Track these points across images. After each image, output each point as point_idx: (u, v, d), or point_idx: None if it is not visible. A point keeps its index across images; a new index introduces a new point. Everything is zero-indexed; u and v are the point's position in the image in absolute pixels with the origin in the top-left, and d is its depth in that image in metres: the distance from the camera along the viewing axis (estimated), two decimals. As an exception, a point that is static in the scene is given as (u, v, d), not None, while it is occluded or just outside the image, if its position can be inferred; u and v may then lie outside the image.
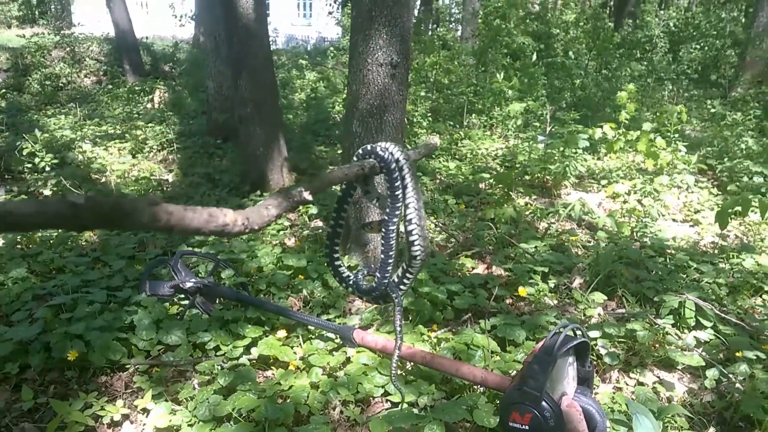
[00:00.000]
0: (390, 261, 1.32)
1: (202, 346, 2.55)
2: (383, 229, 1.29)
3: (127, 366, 2.40)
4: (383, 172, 1.26)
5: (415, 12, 17.22)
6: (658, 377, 2.64)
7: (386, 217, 1.27)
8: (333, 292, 3.19)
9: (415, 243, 1.26)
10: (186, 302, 2.90)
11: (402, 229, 1.36)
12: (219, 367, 2.38)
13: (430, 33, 16.20)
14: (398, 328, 1.61)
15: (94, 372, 2.34)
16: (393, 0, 3.27)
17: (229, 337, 2.58)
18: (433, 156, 6.72)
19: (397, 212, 1.24)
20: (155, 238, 4.01)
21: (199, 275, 3.16)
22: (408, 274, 1.35)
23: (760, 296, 3.24)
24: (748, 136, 6.36)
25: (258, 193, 5.09)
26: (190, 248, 3.60)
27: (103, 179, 5.45)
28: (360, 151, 1.33)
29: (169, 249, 3.76)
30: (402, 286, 1.40)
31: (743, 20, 12.47)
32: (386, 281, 1.34)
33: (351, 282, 1.44)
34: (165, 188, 5.44)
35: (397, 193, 1.24)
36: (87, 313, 2.50)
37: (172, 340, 2.52)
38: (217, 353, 2.52)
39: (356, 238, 3.64)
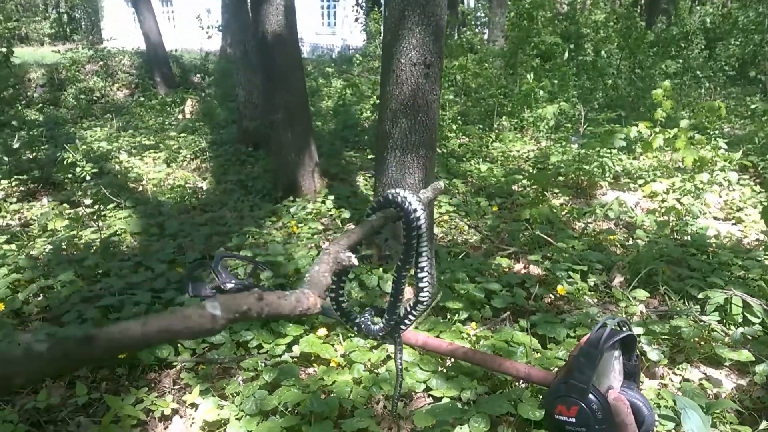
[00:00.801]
0: (398, 305, 1.41)
1: (245, 344, 2.58)
2: (395, 275, 1.36)
3: (174, 363, 2.45)
4: (402, 220, 1.33)
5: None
6: (705, 374, 2.58)
7: (399, 263, 1.33)
8: (370, 292, 3.20)
9: (425, 289, 1.34)
10: (227, 303, 2.95)
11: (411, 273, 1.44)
12: (263, 364, 2.41)
13: (456, 37, 16.20)
14: (399, 366, 1.67)
15: (143, 369, 2.39)
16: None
17: (271, 336, 2.61)
18: (464, 159, 6.70)
19: (411, 260, 1.30)
20: (194, 242, 4.09)
21: (239, 277, 3.21)
22: (411, 316, 1.44)
23: (809, 292, 3.14)
24: (790, 132, 6.20)
25: (291, 198, 5.14)
26: (230, 252, 3.65)
27: (140, 188, 5.58)
28: (380, 199, 1.39)
29: (208, 253, 3.82)
30: (403, 326, 1.48)
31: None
32: (392, 323, 1.43)
33: (359, 324, 1.52)
34: (200, 195, 5.54)
35: (413, 241, 1.30)
36: (134, 314, 2.56)
37: (216, 339, 2.56)
38: (260, 351, 2.56)
39: (391, 238, 3.64)
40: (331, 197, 5.15)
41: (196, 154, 6.87)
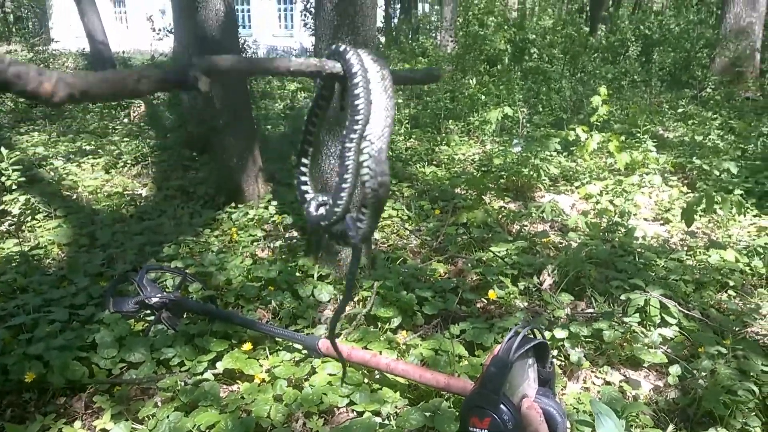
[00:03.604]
0: (344, 187, 1.08)
1: (167, 362, 2.53)
2: (339, 148, 1.05)
3: (88, 386, 2.37)
4: (346, 78, 1.05)
5: (395, 21, 17.33)
6: (625, 376, 2.65)
7: (344, 132, 1.04)
8: (303, 302, 3.18)
9: (364, 164, 1.02)
10: (152, 318, 2.88)
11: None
12: (182, 384, 2.36)
13: (410, 41, 16.28)
14: (350, 275, 1.20)
15: (53, 393, 2.31)
16: (355, 10, 3.29)
17: (195, 352, 2.56)
18: (410, 162, 6.73)
19: (356, 127, 1.02)
20: (125, 253, 3.98)
21: (166, 290, 3.14)
22: (363, 209, 1.09)
23: (726, 291, 3.28)
24: (716, 135, 6.44)
25: (233, 204, 5.07)
26: (158, 263, 3.57)
27: (75, 196, 5.40)
28: (327, 51, 1.18)
29: (138, 264, 3.72)
30: (360, 224, 1.12)
31: (712, 22, 12.69)
32: (338, 210, 1.10)
33: (305, 208, 1.18)
34: (138, 203, 5.40)
35: (357, 103, 1.03)
36: (47, 333, 2.47)
37: (135, 358, 2.49)
38: (182, 369, 2.50)
39: (329, 245, 3.63)
40: (275, 203, 5.09)
41: (137, 160, 6.69)
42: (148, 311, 2.89)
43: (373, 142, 1.01)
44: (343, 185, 1.06)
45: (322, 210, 1.15)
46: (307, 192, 1.25)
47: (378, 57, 1.06)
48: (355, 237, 1.10)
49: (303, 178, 1.25)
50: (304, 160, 1.25)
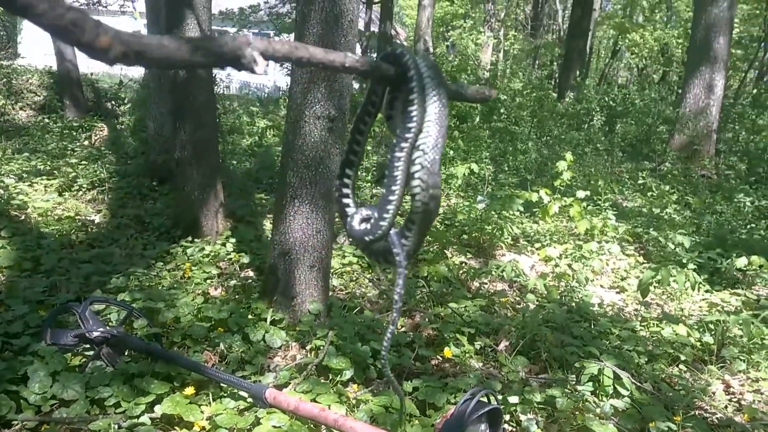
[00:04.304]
0: (392, 199, 0.99)
1: (102, 402, 2.37)
2: (389, 157, 1.00)
3: (14, 422, 2.20)
4: (399, 82, 0.99)
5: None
6: (576, 446, 2.61)
7: (395, 141, 0.99)
8: (253, 347, 3.06)
9: (416, 175, 0.96)
10: (91, 353, 2.72)
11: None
12: (116, 426, 2.21)
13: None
14: (397, 296, 1.09)
15: (-28, 430, 2.13)
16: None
17: (133, 393, 2.42)
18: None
19: (408, 135, 0.97)
20: (70, 281, 3.80)
21: (110, 324, 2.99)
22: (410, 224, 1.01)
23: (677, 365, 3.30)
24: (672, 209, 6.67)
25: (190, 238, 4.93)
26: (104, 295, 3.41)
27: (23, 217, 5.18)
28: (383, 54, 1.03)
29: (83, 294, 3.55)
30: (405, 240, 1.05)
31: (672, 99, 13.36)
32: (384, 224, 1.01)
33: (347, 222, 1.10)
34: (90, 229, 5.21)
35: (412, 110, 0.97)
36: (-26, 363, 2.30)
37: (68, 395, 2.33)
38: (117, 410, 2.35)
39: (285, 288, 3.54)
40: (233, 240, 4.98)
41: (94, 184, 6.50)
42: (88, 346, 2.73)
43: (427, 152, 0.95)
44: (391, 197, 0.98)
45: (365, 225, 1.06)
46: (348, 205, 1.11)
47: (434, 64, 1.00)
48: (400, 254, 1.03)
49: (345, 191, 1.12)
50: (348, 171, 1.13)
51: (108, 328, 2.76)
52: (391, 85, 1.02)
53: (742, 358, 3.35)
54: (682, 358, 3.29)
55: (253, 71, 0.59)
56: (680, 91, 11.01)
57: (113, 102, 12.75)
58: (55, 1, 0.44)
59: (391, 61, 0.99)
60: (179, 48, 0.53)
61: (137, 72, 17.21)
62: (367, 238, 1.05)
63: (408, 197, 1.00)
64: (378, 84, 1.06)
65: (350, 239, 1.13)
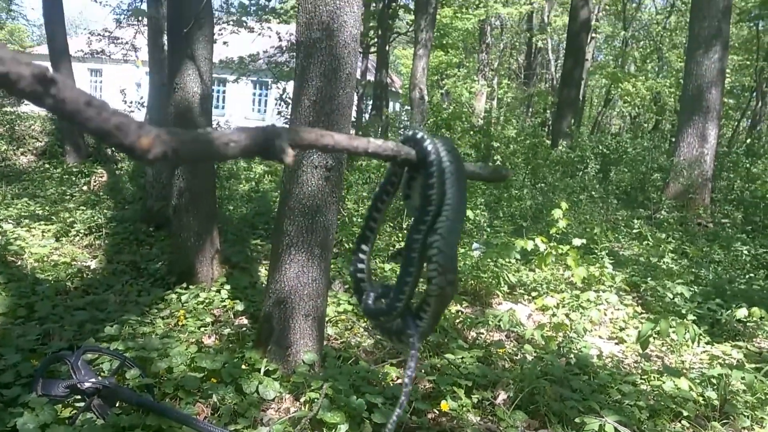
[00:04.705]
0: (408, 280, 1.02)
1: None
2: (407, 239, 1.01)
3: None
4: (419, 165, 1.01)
5: (366, 116, 17.93)
6: (577, 506, 2.53)
7: (413, 223, 1.02)
8: (246, 398, 3.00)
9: (433, 259, 0.97)
10: (81, 404, 2.66)
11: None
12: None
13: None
14: (407, 379, 1.04)
15: None
16: (332, 108, 3.36)
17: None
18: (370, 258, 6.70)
19: (427, 218, 0.99)
20: (63, 329, 3.75)
21: (102, 374, 2.93)
22: (425, 306, 1.03)
23: (679, 421, 3.24)
24: (669, 257, 6.67)
25: (184, 285, 4.90)
26: (98, 343, 3.36)
27: (19, 262, 5.15)
28: (403, 137, 1.09)
29: (76, 343, 3.50)
30: (419, 321, 1.06)
31: (666, 147, 13.53)
32: (399, 305, 1.04)
33: (362, 300, 1.10)
34: (85, 275, 5.17)
35: (431, 193, 0.99)
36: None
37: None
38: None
39: (280, 337, 3.49)
40: (228, 287, 4.94)
41: (91, 230, 6.50)
42: (79, 397, 2.67)
43: (445, 236, 0.95)
44: (407, 278, 1.00)
45: (380, 304, 1.07)
46: (363, 281, 1.11)
47: (453, 147, 1.02)
48: (414, 336, 1.02)
49: (360, 266, 1.12)
50: (364, 247, 1.13)
51: (100, 378, 2.71)
52: (410, 167, 1.06)
53: (746, 414, 3.29)
54: (685, 413, 3.23)
55: (282, 162, 0.62)
56: (674, 139, 11.16)
57: (113, 148, 12.84)
58: (101, 107, 0.46)
59: (411, 145, 1.01)
60: (213, 142, 0.55)
61: (137, 117, 17.46)
62: (381, 318, 1.06)
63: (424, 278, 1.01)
64: (399, 167, 1.09)
65: (366, 315, 1.12)
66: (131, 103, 15.36)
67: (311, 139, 0.67)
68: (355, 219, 7.43)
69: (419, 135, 1.01)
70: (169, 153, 0.49)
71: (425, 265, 0.99)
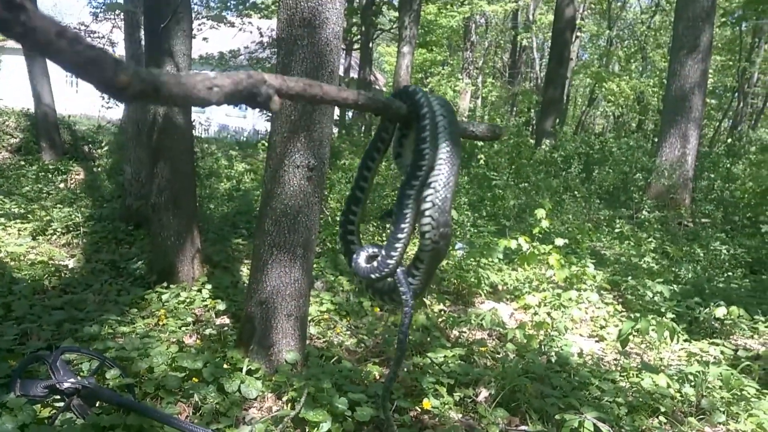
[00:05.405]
0: (401, 237, 0.97)
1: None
2: (398, 194, 0.97)
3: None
4: (411, 119, 0.95)
5: (349, 114, 17.89)
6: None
7: (405, 178, 0.96)
8: (228, 398, 2.98)
9: (426, 213, 0.93)
10: (61, 404, 2.63)
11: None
12: (81, 485, 2.11)
13: (362, 136, 16.77)
14: (402, 335, 1.07)
15: None
16: (313, 107, 3.35)
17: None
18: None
19: (420, 173, 0.94)
20: (41, 329, 3.69)
21: (81, 374, 2.89)
22: (418, 263, 0.98)
23: (657, 417, 3.28)
24: (650, 257, 6.75)
25: (165, 284, 4.85)
26: (77, 343, 3.31)
27: (-5, 261, 5.06)
28: (394, 91, 1.03)
29: (55, 343, 3.45)
30: (412, 279, 1.02)
31: (649, 146, 13.69)
32: (391, 263, 0.98)
33: (353, 260, 1.06)
34: (63, 274, 5.10)
35: (423, 147, 0.94)
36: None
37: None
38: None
39: (262, 337, 3.47)
40: (209, 286, 4.91)
41: (68, 228, 6.40)
42: (58, 397, 2.64)
43: (438, 190, 0.94)
44: (399, 235, 0.98)
45: (372, 263, 1.05)
46: (353, 242, 1.12)
47: (446, 102, 1.00)
48: (407, 293, 1.01)
49: (350, 227, 1.13)
50: (354, 208, 1.13)
51: (79, 378, 2.67)
52: (402, 123, 1.04)
53: (722, 409, 3.34)
54: (662, 409, 3.27)
55: (268, 109, 0.60)
56: (656, 139, 11.28)
57: (90, 145, 12.67)
58: (75, 39, 0.44)
59: (403, 99, 0.98)
60: (196, 85, 0.54)
61: (115, 115, 17.24)
62: (373, 276, 1.03)
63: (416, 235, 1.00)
64: (389, 122, 1.08)
65: (356, 277, 1.11)
66: (109, 98, 15.16)
67: (299, 88, 0.66)
68: (338, 219, 7.41)
69: (411, 88, 1.00)
70: (149, 91, 0.48)
71: (418, 222, 0.98)
